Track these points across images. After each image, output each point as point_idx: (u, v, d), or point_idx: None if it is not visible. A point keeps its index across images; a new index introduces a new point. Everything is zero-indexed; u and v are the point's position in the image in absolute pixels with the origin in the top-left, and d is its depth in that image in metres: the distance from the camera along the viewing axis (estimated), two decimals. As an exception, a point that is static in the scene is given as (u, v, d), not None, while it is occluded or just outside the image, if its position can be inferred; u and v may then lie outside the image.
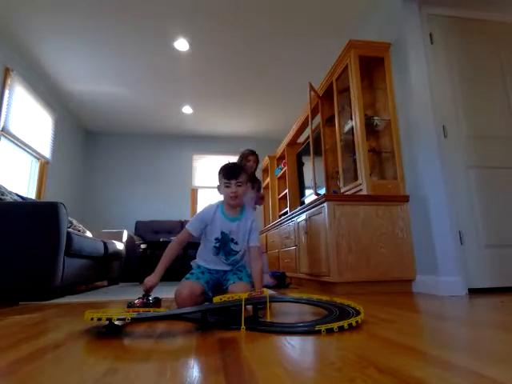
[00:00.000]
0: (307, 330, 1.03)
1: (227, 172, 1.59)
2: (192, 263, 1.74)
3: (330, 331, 1.01)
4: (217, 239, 1.60)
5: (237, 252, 1.64)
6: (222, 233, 1.60)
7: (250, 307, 1.24)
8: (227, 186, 1.57)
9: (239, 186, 1.58)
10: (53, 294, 2.17)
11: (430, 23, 2.57)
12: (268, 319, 1.23)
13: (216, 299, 1.22)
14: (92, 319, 1.01)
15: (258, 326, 1.12)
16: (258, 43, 3.39)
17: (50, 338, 1.01)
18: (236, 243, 1.62)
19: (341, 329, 1.02)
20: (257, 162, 2.86)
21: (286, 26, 3.15)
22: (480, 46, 2.62)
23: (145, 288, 1.50)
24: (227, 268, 1.67)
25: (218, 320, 1.21)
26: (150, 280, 1.50)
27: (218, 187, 1.65)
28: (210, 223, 1.60)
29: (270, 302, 1.24)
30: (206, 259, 1.68)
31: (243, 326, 1.08)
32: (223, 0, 2.83)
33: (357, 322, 1.07)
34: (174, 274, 4.01)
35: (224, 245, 1.61)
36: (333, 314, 1.20)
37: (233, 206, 1.62)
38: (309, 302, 1.41)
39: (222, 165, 1.66)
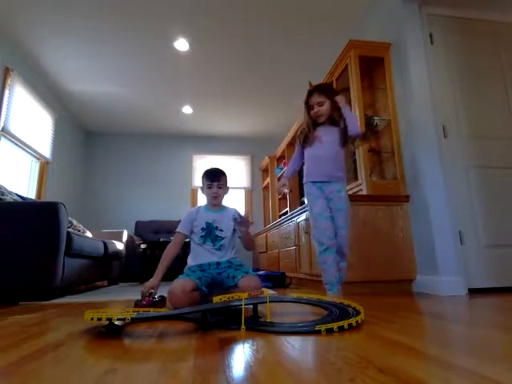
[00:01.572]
0: (307, 330, 1.03)
1: (210, 175, 1.79)
2: (184, 269, 1.77)
3: (330, 331, 1.01)
4: (202, 229, 1.75)
5: (223, 238, 1.74)
6: (207, 223, 1.75)
7: (250, 307, 1.24)
8: (209, 187, 1.77)
9: (220, 187, 1.77)
10: (53, 294, 2.17)
11: (430, 23, 2.57)
12: (268, 319, 1.22)
13: (216, 299, 1.22)
14: (92, 319, 1.01)
15: (257, 326, 1.11)
16: (258, 43, 3.39)
17: (50, 338, 1.01)
18: (221, 230, 1.74)
19: (341, 329, 1.02)
20: (329, 99, 1.88)
21: (285, 25, 3.15)
22: (480, 46, 2.62)
23: (145, 291, 1.58)
24: (216, 258, 1.72)
25: (218, 320, 1.21)
26: (149, 283, 1.61)
27: (202, 188, 1.84)
28: (195, 219, 1.77)
29: (270, 302, 1.24)
30: (195, 255, 1.76)
31: (243, 326, 1.08)
32: (223, 0, 2.83)
33: (357, 322, 1.07)
34: (176, 273, 3.99)
35: (209, 232, 1.74)
36: (333, 314, 1.19)
37: (214, 204, 1.80)
38: (309, 302, 1.40)
39: (205, 169, 1.85)
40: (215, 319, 1.22)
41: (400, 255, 2.36)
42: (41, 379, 0.65)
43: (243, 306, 1.12)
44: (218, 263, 1.71)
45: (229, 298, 1.21)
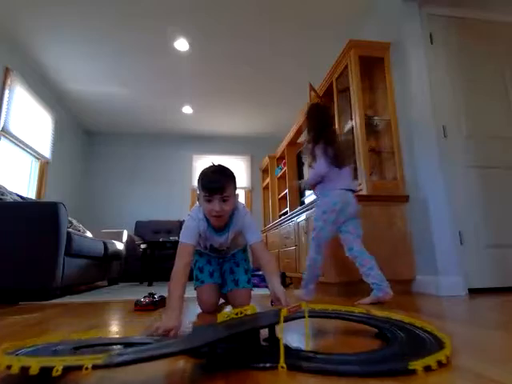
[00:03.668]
0: (395, 370, 0.63)
1: (209, 185, 1.22)
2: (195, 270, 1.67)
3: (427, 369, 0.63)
4: (205, 247, 1.51)
5: (228, 248, 1.53)
6: (211, 246, 1.47)
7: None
8: (208, 201, 1.23)
9: (226, 200, 1.23)
10: (53, 294, 2.17)
11: (430, 23, 2.57)
12: (307, 348, 0.79)
13: (221, 316, 0.82)
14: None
15: (300, 361, 0.67)
16: (258, 44, 3.39)
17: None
18: (227, 248, 1.51)
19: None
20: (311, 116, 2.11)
21: (285, 25, 3.15)
22: (480, 46, 2.62)
23: (161, 332, 0.93)
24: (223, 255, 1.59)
25: (229, 349, 0.75)
26: (167, 322, 0.97)
27: (198, 197, 1.31)
28: (201, 234, 1.36)
29: (309, 317, 0.84)
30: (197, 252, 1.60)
31: (283, 364, 0.64)
32: (223, 0, 2.83)
33: (446, 356, 0.68)
34: (169, 274, 3.96)
35: (213, 250, 1.53)
36: (397, 339, 0.79)
37: (216, 226, 1.34)
38: (361, 320, 1.00)
39: (203, 169, 1.29)
40: (223, 348, 0.74)
41: (399, 255, 2.35)
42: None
43: (281, 328, 0.69)
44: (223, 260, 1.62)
45: (238, 314, 0.83)
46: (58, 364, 0.52)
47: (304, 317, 0.81)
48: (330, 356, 0.72)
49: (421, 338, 0.80)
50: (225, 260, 1.62)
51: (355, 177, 2.72)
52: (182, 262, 1.20)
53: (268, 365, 0.66)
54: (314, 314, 1.05)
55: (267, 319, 0.79)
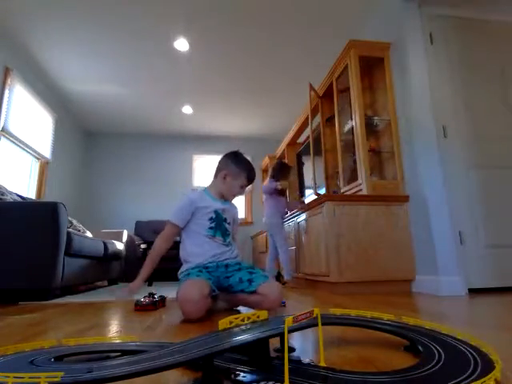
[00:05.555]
0: None
1: (253, 177, 1.65)
2: (179, 275, 1.51)
3: None
4: (211, 219, 1.51)
5: (230, 233, 1.59)
6: (216, 211, 1.52)
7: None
8: (241, 187, 1.61)
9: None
10: (53, 294, 2.17)
11: (430, 23, 2.57)
12: (322, 363, 0.65)
13: (224, 323, 0.69)
14: None
15: (312, 381, 0.55)
16: (259, 43, 3.39)
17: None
18: (229, 223, 1.58)
19: None
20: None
21: (286, 25, 3.15)
22: (480, 46, 2.62)
23: (125, 294, 1.49)
24: (226, 250, 1.51)
25: (232, 361, 0.66)
26: (132, 285, 1.48)
27: (225, 175, 1.58)
28: (197, 207, 1.51)
29: (323, 324, 0.70)
30: (198, 252, 1.48)
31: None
32: (223, 0, 2.83)
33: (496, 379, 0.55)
34: (169, 274, 3.99)
35: (219, 224, 1.53)
36: (434, 356, 0.65)
37: (225, 198, 1.62)
38: (389, 330, 0.84)
39: (243, 159, 1.66)
40: (223, 359, 0.67)
41: (399, 255, 2.36)
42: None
43: (286, 337, 0.57)
44: (227, 265, 1.48)
45: (245, 320, 0.72)
46: (11, 380, 0.46)
47: (324, 324, 0.71)
48: (352, 376, 0.56)
49: (461, 352, 0.67)
50: (230, 272, 1.47)
51: (355, 177, 2.73)
52: (164, 240, 1.55)
53: (270, 383, 0.54)
54: (331, 321, 0.89)
55: (276, 328, 0.66)
